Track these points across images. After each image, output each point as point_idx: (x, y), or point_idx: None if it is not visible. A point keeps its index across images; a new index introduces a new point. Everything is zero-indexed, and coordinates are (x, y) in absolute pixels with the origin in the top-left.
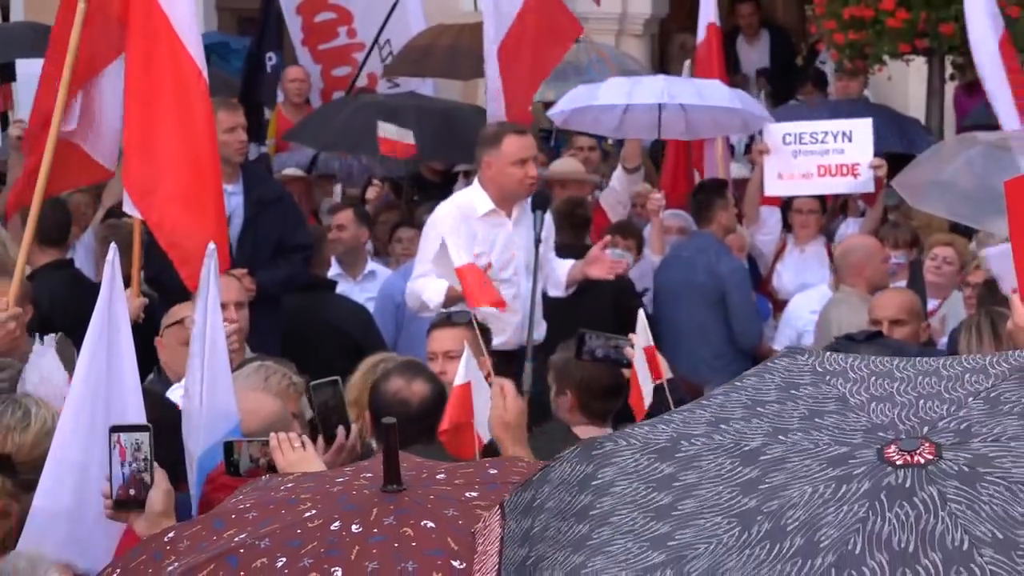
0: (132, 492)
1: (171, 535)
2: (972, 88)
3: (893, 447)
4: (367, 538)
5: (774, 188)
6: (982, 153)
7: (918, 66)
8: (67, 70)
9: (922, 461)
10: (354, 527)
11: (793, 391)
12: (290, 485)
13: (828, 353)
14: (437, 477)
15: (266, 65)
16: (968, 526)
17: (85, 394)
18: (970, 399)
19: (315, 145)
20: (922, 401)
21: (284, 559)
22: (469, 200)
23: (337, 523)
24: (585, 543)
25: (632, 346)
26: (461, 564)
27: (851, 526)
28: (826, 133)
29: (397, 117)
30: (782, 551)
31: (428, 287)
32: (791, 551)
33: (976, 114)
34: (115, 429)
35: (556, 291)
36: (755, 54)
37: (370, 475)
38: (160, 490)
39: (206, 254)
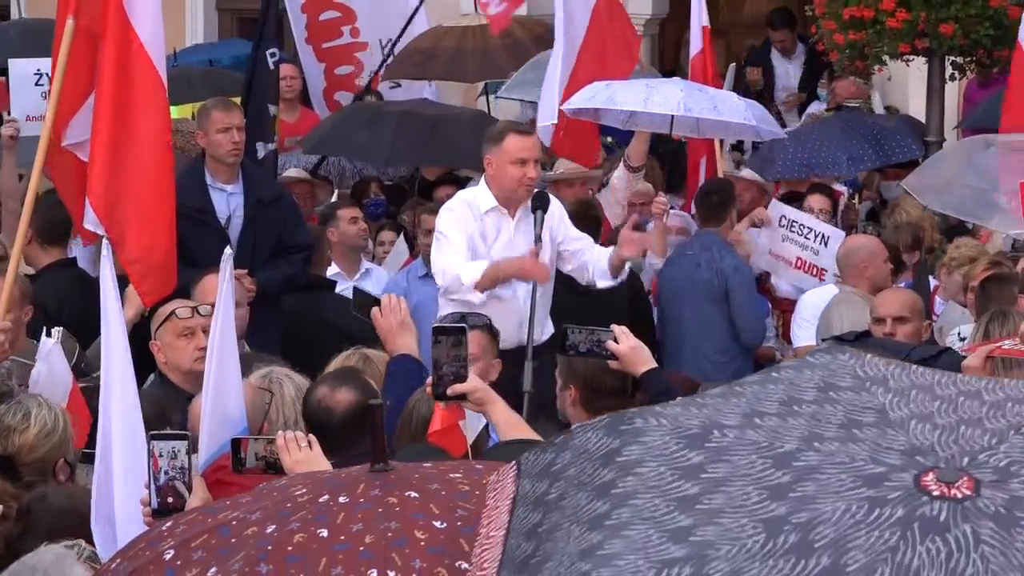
0: (170, 500)
1: (168, 524)
2: (985, 80)
3: (931, 475)
4: (353, 507)
5: (761, 261)
6: (1003, 151)
7: (918, 66)
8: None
9: (959, 496)
10: (341, 498)
11: (832, 393)
12: (284, 481)
13: (868, 355)
14: (424, 464)
15: (268, 61)
16: (998, 572)
17: (116, 398)
18: (1011, 433)
19: (310, 151)
20: (963, 427)
21: (274, 526)
22: (475, 196)
23: (325, 496)
24: (603, 522)
25: (616, 339)
26: (442, 524)
27: (880, 554)
28: (811, 230)
29: (381, 122)
30: (807, 569)
31: (464, 264)
32: (817, 570)
33: (974, 117)
34: (153, 437)
35: (605, 281)
36: (792, 67)
37: (359, 467)
38: (198, 498)
39: (222, 259)
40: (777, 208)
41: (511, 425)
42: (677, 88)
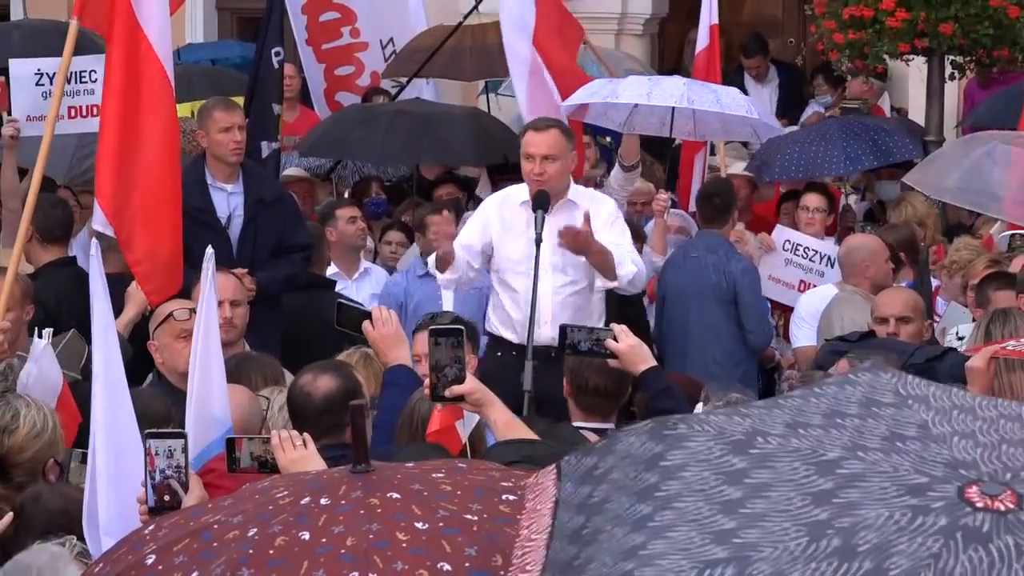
0: (166, 498)
1: (151, 527)
2: (985, 80)
3: (975, 488)
4: (335, 508)
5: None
6: (1004, 147)
7: (918, 66)
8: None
9: (1003, 508)
10: (323, 500)
11: (875, 408)
12: (267, 483)
13: (910, 376)
14: (406, 465)
15: (273, 60)
16: None
17: (105, 398)
18: None
19: (306, 153)
20: (1005, 446)
21: (255, 529)
22: (518, 190)
23: (307, 498)
24: (646, 523)
25: (615, 338)
26: (424, 525)
27: (923, 560)
28: (816, 252)
29: (375, 122)
30: (849, 572)
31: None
32: (859, 574)
33: (974, 117)
34: (149, 436)
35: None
36: (766, 92)
37: (341, 468)
38: (194, 496)
39: (204, 258)
40: (782, 233)
41: (509, 426)
42: (680, 82)
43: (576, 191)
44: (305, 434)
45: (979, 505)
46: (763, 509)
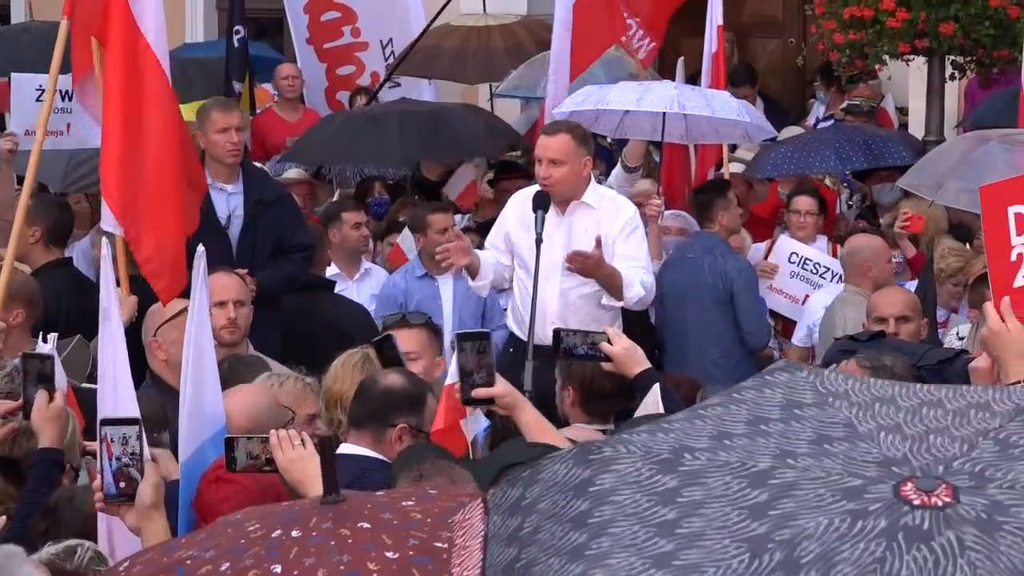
0: (122, 485)
1: (126, 564)
2: (985, 80)
3: (910, 485)
4: (306, 540)
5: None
6: (1001, 147)
7: (918, 66)
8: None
9: (940, 504)
10: (294, 532)
11: (797, 411)
12: (239, 515)
13: (827, 371)
14: (376, 493)
15: (234, 40)
16: None
17: (108, 392)
18: (980, 439)
19: (309, 162)
20: (932, 436)
21: (227, 564)
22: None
23: (278, 531)
24: (583, 552)
25: (610, 341)
26: (394, 554)
27: (868, 566)
28: (828, 269)
29: (382, 123)
30: None
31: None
32: None
33: (975, 117)
34: (104, 423)
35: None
36: None
37: (311, 499)
38: (149, 483)
39: (196, 255)
40: (787, 245)
41: (540, 429)
42: (671, 87)
43: (596, 194)
44: (303, 433)
45: (916, 503)
46: (700, 527)
